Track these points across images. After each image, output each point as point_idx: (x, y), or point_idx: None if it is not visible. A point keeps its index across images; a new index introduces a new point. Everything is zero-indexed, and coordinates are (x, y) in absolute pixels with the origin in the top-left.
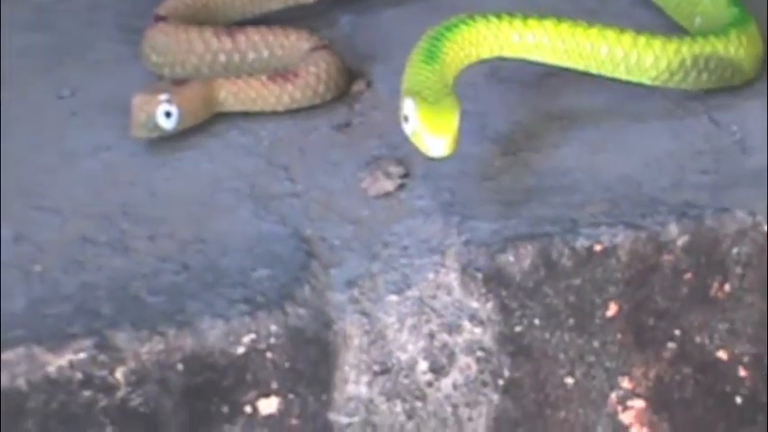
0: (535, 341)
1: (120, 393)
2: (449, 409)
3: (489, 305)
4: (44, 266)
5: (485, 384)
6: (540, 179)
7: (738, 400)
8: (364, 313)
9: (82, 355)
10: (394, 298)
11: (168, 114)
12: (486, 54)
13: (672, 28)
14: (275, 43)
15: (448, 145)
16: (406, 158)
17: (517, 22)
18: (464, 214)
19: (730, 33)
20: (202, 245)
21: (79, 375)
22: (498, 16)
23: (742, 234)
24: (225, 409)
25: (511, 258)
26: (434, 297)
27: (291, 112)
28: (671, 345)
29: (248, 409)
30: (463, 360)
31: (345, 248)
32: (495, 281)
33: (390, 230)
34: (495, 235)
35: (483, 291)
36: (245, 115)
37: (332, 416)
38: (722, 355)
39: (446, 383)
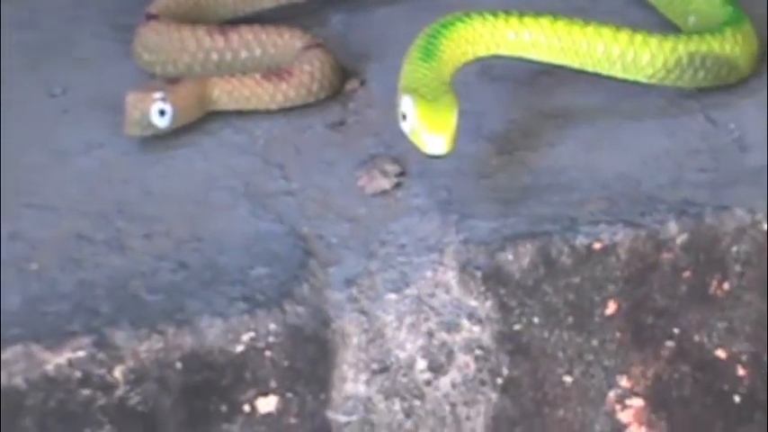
0: (534, 340)
1: (119, 392)
2: (447, 408)
3: (488, 304)
4: (40, 264)
5: (483, 383)
6: (537, 177)
7: (737, 398)
8: (363, 312)
9: (80, 354)
10: (392, 296)
11: (162, 112)
12: (482, 52)
13: (665, 26)
14: (268, 42)
15: (447, 143)
16: (401, 157)
17: (513, 20)
18: (462, 212)
19: (726, 31)
20: (199, 243)
21: (78, 374)
22: (494, 14)
23: (741, 232)
24: (223, 407)
25: (510, 257)
26: (433, 295)
27: (285, 111)
28: (669, 343)
29: (247, 407)
30: (462, 359)
31: (343, 247)
32: (494, 279)
33: (388, 229)
34: (494, 233)
35: (482, 289)
36: (239, 114)
37: (330, 414)
38: (721, 353)
39: (444, 382)
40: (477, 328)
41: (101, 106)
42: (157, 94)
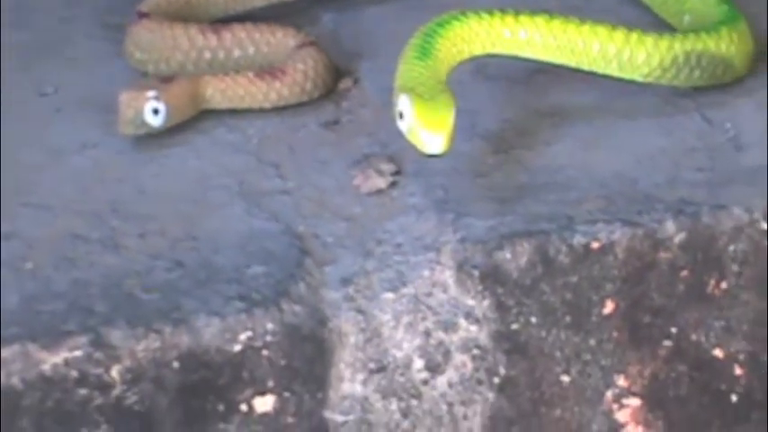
0: (531, 339)
1: (116, 391)
2: (444, 408)
3: (485, 303)
4: (36, 263)
5: (480, 382)
6: (533, 176)
7: (734, 398)
8: (360, 311)
9: (77, 353)
10: (389, 295)
11: (156, 111)
12: (478, 51)
13: (659, 26)
14: (261, 40)
15: (444, 141)
16: (396, 156)
17: (509, 19)
18: (458, 211)
19: (721, 30)
20: (194, 242)
21: (74, 373)
22: (490, 12)
23: (738, 231)
24: (220, 407)
25: (507, 255)
26: (430, 294)
27: (279, 110)
28: (667, 342)
29: (244, 407)
30: (459, 358)
31: (339, 246)
32: (492, 278)
33: (384, 228)
34: (491, 232)
35: (479, 288)
36: (233, 112)
37: (327, 414)
38: (718, 352)
39: (441, 381)
40: (474, 328)
41: (93, 105)
42: (151, 93)
